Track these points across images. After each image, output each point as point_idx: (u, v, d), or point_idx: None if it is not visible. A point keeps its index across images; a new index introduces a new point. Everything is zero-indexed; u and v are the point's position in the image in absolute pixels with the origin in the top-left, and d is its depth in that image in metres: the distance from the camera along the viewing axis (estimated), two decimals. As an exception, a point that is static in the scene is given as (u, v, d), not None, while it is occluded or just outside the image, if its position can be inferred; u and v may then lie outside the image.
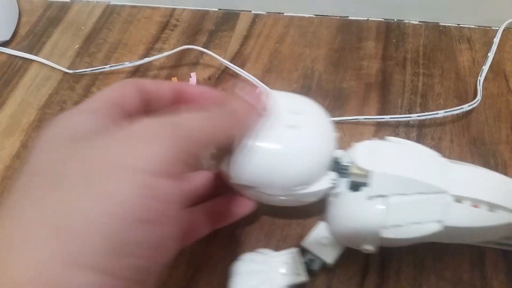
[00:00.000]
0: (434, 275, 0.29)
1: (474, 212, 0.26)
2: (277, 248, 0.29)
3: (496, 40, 0.41)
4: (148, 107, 0.24)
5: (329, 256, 0.28)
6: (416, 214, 0.26)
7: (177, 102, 0.25)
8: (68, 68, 0.43)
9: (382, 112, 0.37)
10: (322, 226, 0.29)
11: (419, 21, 0.44)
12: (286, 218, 0.32)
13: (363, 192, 0.26)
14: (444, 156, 0.32)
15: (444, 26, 0.44)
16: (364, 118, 0.36)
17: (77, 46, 0.45)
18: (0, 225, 0.16)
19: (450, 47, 0.42)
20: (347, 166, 0.27)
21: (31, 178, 0.17)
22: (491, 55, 0.40)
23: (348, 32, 0.44)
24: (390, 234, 0.25)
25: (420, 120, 0.36)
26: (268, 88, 0.39)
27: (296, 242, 0.30)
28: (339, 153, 0.28)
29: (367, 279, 0.29)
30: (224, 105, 0.22)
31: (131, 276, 0.16)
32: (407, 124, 0.36)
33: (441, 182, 0.25)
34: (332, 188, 0.27)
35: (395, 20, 0.44)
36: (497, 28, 0.42)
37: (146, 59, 0.41)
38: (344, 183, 0.27)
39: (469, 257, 0.29)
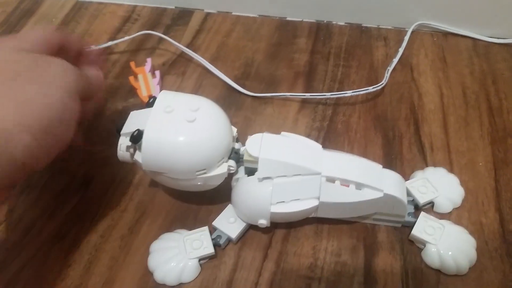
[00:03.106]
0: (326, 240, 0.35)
1: (344, 190, 0.31)
2: (190, 228, 0.34)
3: (406, 38, 0.49)
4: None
5: (234, 232, 0.34)
6: (297, 192, 0.31)
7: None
8: (39, 53, 0.49)
9: (307, 94, 0.45)
10: (229, 208, 0.35)
11: (345, 23, 0.52)
12: (199, 204, 0.37)
13: (255, 176, 0.31)
14: (351, 129, 0.41)
15: (366, 27, 0.52)
16: (290, 95, 0.44)
17: (48, 35, 0.51)
18: None
19: (368, 44, 0.50)
20: (242, 154, 0.33)
21: None
22: (401, 50, 0.48)
23: (285, 30, 0.52)
24: (276, 209, 0.31)
25: (335, 101, 0.44)
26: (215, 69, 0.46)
27: (207, 223, 0.35)
28: (237, 145, 0.33)
29: (273, 240, 0.35)
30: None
31: (46, 143, 0.26)
32: (324, 104, 0.44)
33: (316, 166, 0.31)
34: (232, 174, 0.33)
35: (325, 21, 0.52)
36: (408, 29, 0.50)
37: (110, 43, 0.48)
38: (242, 170, 0.33)
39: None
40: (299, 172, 0.31)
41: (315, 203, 0.32)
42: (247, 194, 0.32)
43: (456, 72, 0.47)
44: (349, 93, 0.41)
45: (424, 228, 0.34)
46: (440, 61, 0.48)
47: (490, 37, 0.50)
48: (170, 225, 0.35)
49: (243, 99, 0.44)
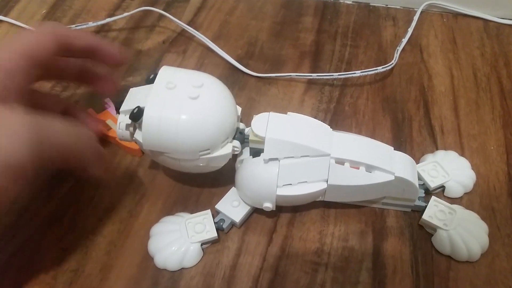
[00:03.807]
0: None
1: (354, 172, 0.30)
2: (192, 211, 0.33)
3: (416, 18, 0.48)
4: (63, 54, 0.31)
5: (237, 216, 0.32)
6: (304, 174, 0.30)
7: (89, 56, 0.32)
8: (35, 29, 0.47)
9: (313, 74, 0.43)
10: (233, 191, 0.33)
11: (353, 1, 0.50)
12: (201, 187, 0.35)
13: (261, 157, 0.30)
14: (358, 111, 0.39)
15: (374, 6, 0.50)
16: (296, 75, 0.42)
17: (44, 11, 0.49)
18: None
19: (376, 24, 0.48)
20: (247, 135, 0.31)
21: None
22: (410, 31, 0.46)
23: (290, 9, 0.50)
24: (283, 192, 0.30)
25: (342, 82, 0.42)
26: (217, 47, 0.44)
27: (210, 206, 0.33)
28: (242, 125, 0.32)
29: (278, 224, 0.33)
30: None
31: None
32: (331, 85, 0.42)
33: (325, 147, 0.30)
34: (237, 155, 0.31)
35: (332, 0, 0.50)
36: (417, 9, 0.48)
37: (108, 19, 0.46)
38: (247, 151, 0.31)
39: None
40: (307, 153, 0.30)
41: (323, 186, 0.30)
42: (252, 176, 0.31)
43: (466, 54, 0.45)
44: (357, 73, 0.40)
45: (435, 213, 0.32)
46: (450, 43, 0.46)
47: (502, 18, 0.48)
48: (171, 208, 0.34)
49: (246, 79, 0.43)
